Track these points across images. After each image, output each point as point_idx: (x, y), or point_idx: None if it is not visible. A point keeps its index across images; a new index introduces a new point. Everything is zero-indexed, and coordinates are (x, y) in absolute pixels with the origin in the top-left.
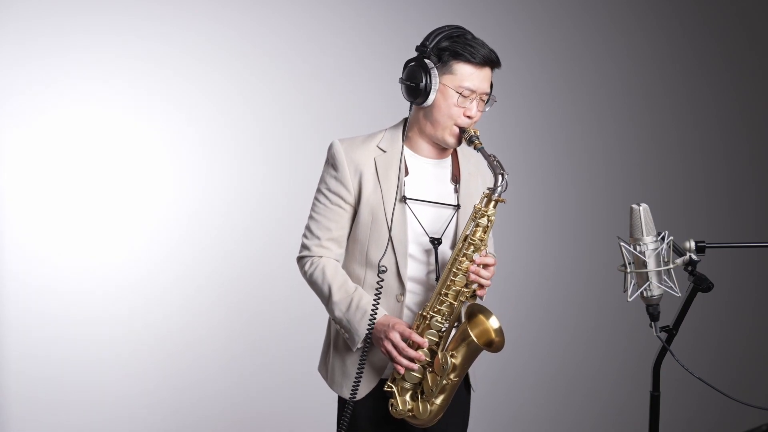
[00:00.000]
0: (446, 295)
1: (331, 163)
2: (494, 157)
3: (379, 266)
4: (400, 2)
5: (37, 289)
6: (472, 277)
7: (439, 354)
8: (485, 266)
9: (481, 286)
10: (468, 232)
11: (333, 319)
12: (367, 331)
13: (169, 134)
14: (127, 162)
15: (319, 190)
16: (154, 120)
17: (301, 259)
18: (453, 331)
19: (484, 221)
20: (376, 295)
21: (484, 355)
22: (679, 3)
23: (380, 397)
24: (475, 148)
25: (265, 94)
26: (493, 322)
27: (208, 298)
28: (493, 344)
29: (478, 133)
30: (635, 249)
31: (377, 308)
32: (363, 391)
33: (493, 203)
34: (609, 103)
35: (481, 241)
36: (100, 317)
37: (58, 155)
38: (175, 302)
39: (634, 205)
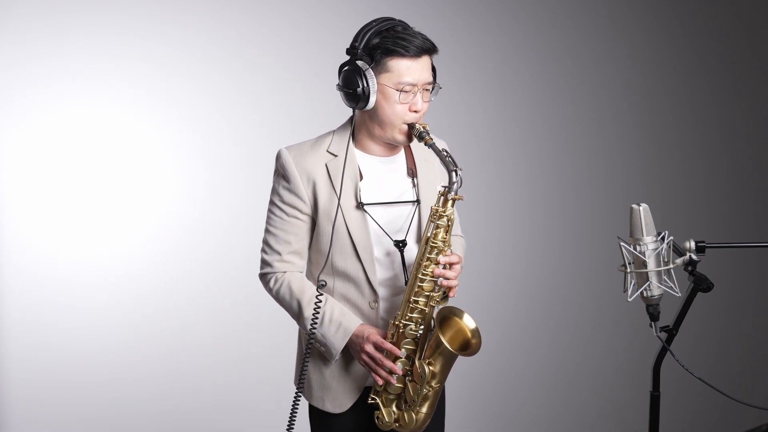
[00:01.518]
0: (416, 302)
1: (281, 173)
2: (446, 152)
3: (318, 280)
4: (400, 2)
5: (39, 283)
6: (441, 281)
7: (417, 363)
8: (451, 266)
9: (450, 287)
10: (429, 235)
11: (307, 335)
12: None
13: (168, 132)
14: (127, 159)
15: (272, 203)
16: (154, 118)
17: (264, 276)
18: (430, 335)
19: (443, 221)
20: (315, 310)
21: (483, 354)
22: (679, 3)
23: (363, 410)
24: (425, 144)
25: (266, 94)
26: (469, 323)
27: (211, 292)
28: (470, 346)
29: (427, 127)
30: (635, 249)
31: (318, 312)
32: (346, 404)
33: (450, 202)
34: (609, 103)
35: (443, 242)
36: (101, 309)
37: (58, 154)
38: (177, 296)
39: (634, 205)
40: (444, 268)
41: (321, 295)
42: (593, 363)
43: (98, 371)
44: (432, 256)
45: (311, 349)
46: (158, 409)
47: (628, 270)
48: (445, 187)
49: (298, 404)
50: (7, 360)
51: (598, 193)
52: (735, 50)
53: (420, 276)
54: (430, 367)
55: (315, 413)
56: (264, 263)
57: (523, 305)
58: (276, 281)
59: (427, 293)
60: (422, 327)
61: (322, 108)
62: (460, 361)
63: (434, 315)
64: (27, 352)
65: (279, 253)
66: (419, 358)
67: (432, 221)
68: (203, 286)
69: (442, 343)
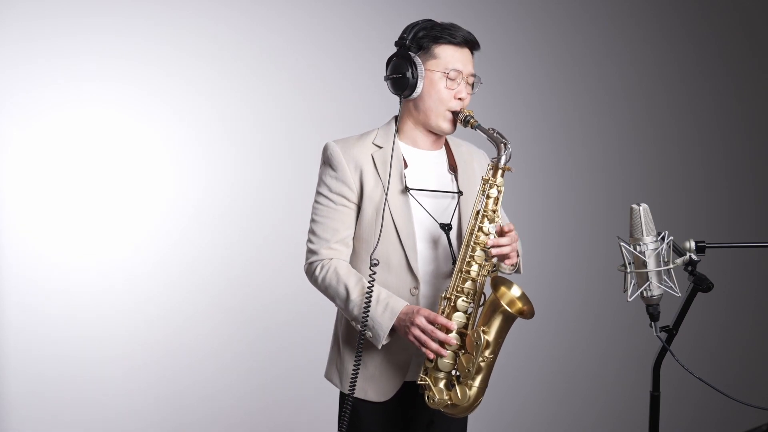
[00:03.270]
0: (468, 272)
1: (329, 164)
2: (493, 129)
3: (371, 259)
4: (401, 2)
5: (36, 286)
6: (494, 251)
7: (470, 332)
8: (503, 234)
9: (505, 257)
10: (479, 206)
11: (353, 320)
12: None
13: (168, 133)
14: (127, 161)
15: (319, 194)
16: (154, 119)
17: (310, 266)
18: (480, 309)
19: (494, 191)
20: (369, 285)
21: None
22: (680, 3)
23: (394, 403)
24: (471, 128)
25: (266, 93)
26: (516, 291)
27: (209, 296)
28: (525, 312)
29: (472, 113)
30: (635, 249)
31: (371, 294)
32: (390, 392)
33: (500, 172)
34: (609, 103)
35: (494, 212)
36: (100, 315)
37: (58, 155)
38: (176, 300)
39: (634, 205)
40: (495, 237)
41: (374, 273)
42: (593, 363)
43: (97, 376)
44: (483, 225)
45: (362, 342)
46: (160, 415)
47: (628, 270)
48: (494, 159)
49: (349, 404)
50: (6, 367)
51: (598, 193)
52: (735, 50)
53: (472, 245)
54: (485, 336)
55: (347, 403)
56: (310, 253)
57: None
58: (322, 268)
59: (478, 263)
60: (473, 300)
61: (323, 108)
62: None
63: (487, 283)
64: (25, 358)
65: (327, 241)
66: (472, 328)
67: (482, 192)
68: (203, 290)
69: (501, 305)
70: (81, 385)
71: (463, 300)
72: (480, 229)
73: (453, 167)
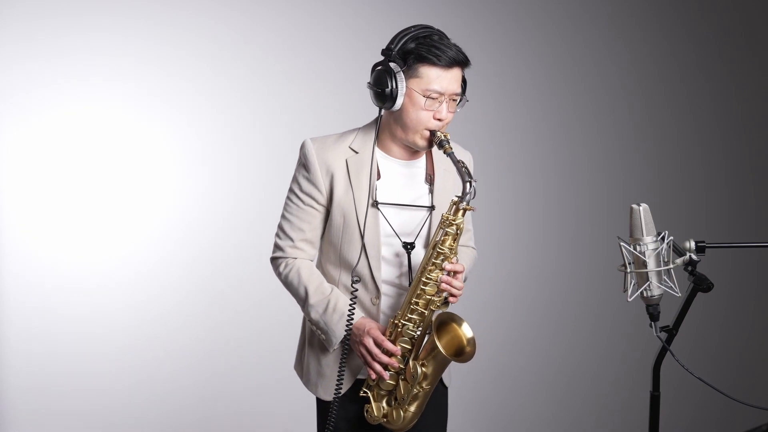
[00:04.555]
0: (417, 303)
1: (302, 163)
2: (462, 163)
3: (352, 276)
4: (401, 2)
5: (36, 285)
6: (443, 286)
7: (411, 363)
8: (455, 274)
9: (452, 295)
10: (438, 240)
11: (309, 321)
12: (346, 332)
13: (168, 133)
14: (127, 161)
15: (291, 190)
16: (155, 118)
17: (274, 260)
18: (426, 338)
19: (452, 230)
20: (351, 300)
21: (483, 355)
22: (679, 3)
23: (355, 398)
24: (444, 153)
25: (266, 93)
26: (466, 331)
27: (209, 294)
28: (464, 354)
29: (448, 136)
30: (635, 249)
31: (353, 313)
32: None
33: (461, 212)
34: (609, 103)
35: (450, 249)
36: (100, 313)
37: (58, 155)
38: (175, 298)
39: (634, 205)
40: (448, 275)
41: (356, 290)
42: (593, 363)
43: (98, 375)
44: (437, 261)
45: (312, 337)
46: (159, 412)
47: (628, 270)
48: (458, 196)
49: (335, 409)
50: (7, 365)
51: (598, 193)
52: (735, 50)
53: (424, 279)
54: (423, 369)
55: (319, 401)
56: (276, 247)
57: (523, 305)
58: (286, 266)
59: (428, 296)
60: (420, 328)
61: (323, 108)
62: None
63: (433, 319)
64: (26, 356)
65: (291, 239)
66: (413, 359)
67: (441, 228)
68: (204, 289)
69: (437, 347)
70: (80, 381)
71: (409, 329)
72: (434, 264)
73: (430, 179)
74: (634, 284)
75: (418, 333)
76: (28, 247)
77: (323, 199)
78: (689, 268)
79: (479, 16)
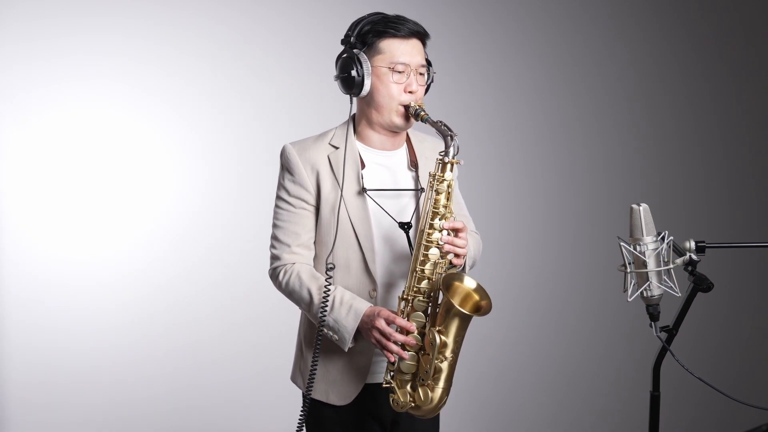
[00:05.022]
0: (422, 271)
1: (286, 168)
2: (441, 122)
3: (326, 263)
4: (401, 3)
5: (36, 285)
6: (447, 247)
7: (428, 331)
8: (456, 232)
9: (456, 255)
10: (430, 202)
11: (318, 323)
12: (321, 316)
13: (168, 132)
14: (127, 160)
15: (279, 198)
16: (154, 118)
17: (274, 271)
18: (438, 303)
19: (443, 186)
20: (325, 288)
21: (483, 355)
22: (679, 3)
23: (356, 406)
24: (421, 120)
25: (266, 93)
26: (470, 283)
27: (210, 290)
28: (481, 308)
29: (422, 104)
30: (635, 249)
31: (327, 298)
32: (353, 393)
33: (449, 166)
34: (609, 103)
35: (445, 207)
36: (101, 309)
37: (58, 154)
38: (176, 295)
39: (634, 205)
40: (448, 234)
41: (330, 278)
42: (593, 363)
43: (97, 372)
44: (434, 222)
45: (320, 343)
46: (158, 409)
47: (628, 270)
48: (442, 152)
49: (306, 405)
50: (7, 361)
51: (598, 193)
52: (735, 50)
53: (425, 243)
54: (441, 336)
55: (310, 406)
56: (273, 258)
57: (523, 305)
58: (285, 273)
59: (432, 261)
60: (430, 299)
61: (324, 107)
62: (460, 361)
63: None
64: (26, 352)
65: (288, 245)
66: (430, 327)
67: (431, 187)
68: (203, 287)
69: (453, 306)
70: (81, 379)
71: (420, 300)
72: (431, 226)
73: (414, 164)
74: (634, 284)
75: (430, 304)
76: (28, 244)
77: (313, 199)
78: (689, 268)
79: (479, 16)
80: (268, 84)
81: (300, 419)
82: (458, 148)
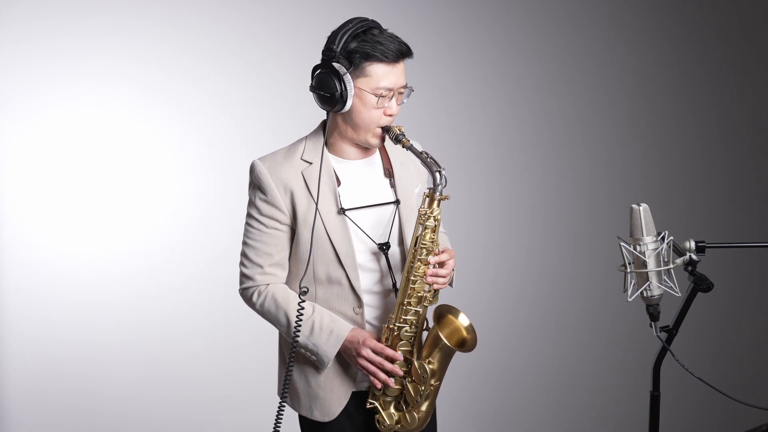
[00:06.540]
0: (409, 304)
1: (257, 186)
2: (427, 154)
3: (300, 287)
4: (401, 3)
5: (36, 285)
6: (430, 280)
7: (416, 363)
8: (441, 265)
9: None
10: (418, 235)
11: (290, 345)
12: (296, 332)
13: (169, 132)
14: (128, 159)
15: (250, 216)
16: (155, 118)
17: (245, 291)
18: (424, 336)
19: (431, 223)
20: (297, 318)
21: (483, 355)
22: (679, 3)
23: (352, 415)
24: (404, 147)
25: (267, 93)
26: (463, 320)
27: (211, 290)
28: (466, 343)
29: (403, 129)
30: (635, 249)
31: (301, 322)
32: (335, 411)
33: (436, 203)
34: (609, 102)
35: (432, 242)
36: (102, 307)
37: (59, 153)
38: (177, 294)
39: (634, 205)
40: (434, 267)
41: (303, 302)
42: (593, 363)
43: (97, 369)
44: (422, 257)
45: (295, 359)
46: (153, 408)
47: (628, 270)
48: (430, 188)
49: (281, 415)
50: (7, 356)
51: (598, 193)
52: (735, 50)
53: (411, 278)
54: (430, 366)
55: (306, 422)
56: (244, 277)
57: (523, 305)
58: (259, 295)
59: (419, 294)
60: (416, 328)
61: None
62: (460, 361)
63: (430, 313)
64: (26, 349)
65: (260, 266)
66: (417, 358)
67: (420, 223)
68: (204, 285)
69: (441, 340)
70: (81, 376)
71: (406, 331)
72: (419, 260)
73: (389, 172)
74: (634, 284)
75: (415, 333)
76: (31, 243)
77: (287, 219)
78: (689, 268)
79: (479, 16)
80: (268, 84)
81: (277, 426)
82: (446, 181)
